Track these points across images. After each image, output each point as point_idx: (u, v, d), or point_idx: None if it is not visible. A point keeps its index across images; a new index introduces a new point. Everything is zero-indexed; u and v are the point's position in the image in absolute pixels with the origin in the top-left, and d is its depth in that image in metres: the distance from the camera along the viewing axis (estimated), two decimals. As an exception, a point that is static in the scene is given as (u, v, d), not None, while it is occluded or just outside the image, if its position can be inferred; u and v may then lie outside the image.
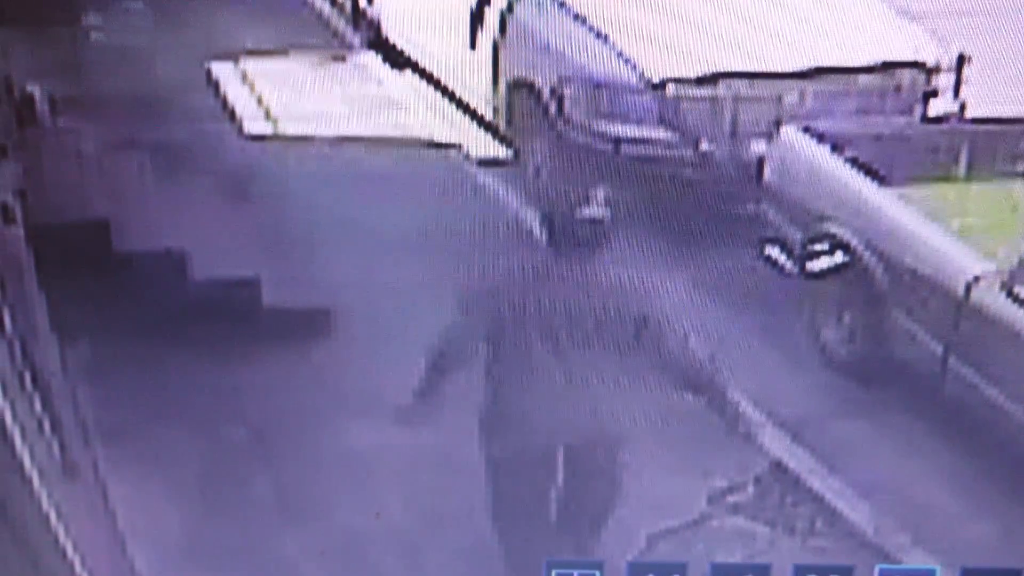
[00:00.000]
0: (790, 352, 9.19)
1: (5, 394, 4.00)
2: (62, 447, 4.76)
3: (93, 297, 7.81)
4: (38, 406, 4.59)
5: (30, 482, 4.07)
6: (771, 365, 9.10)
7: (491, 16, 11.49)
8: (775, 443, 8.36)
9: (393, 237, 9.84)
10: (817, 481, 8.07)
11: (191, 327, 8.28)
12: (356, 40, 13.15)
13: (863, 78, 10.76)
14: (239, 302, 8.61)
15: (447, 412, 7.04)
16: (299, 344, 8.66)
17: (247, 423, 8.09)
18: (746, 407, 8.61)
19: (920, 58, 10.91)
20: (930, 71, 10.89)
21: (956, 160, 9.72)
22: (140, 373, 8.03)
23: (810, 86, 10.60)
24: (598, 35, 10.80)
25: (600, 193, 6.77)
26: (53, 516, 4.14)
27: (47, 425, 4.59)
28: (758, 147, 10.09)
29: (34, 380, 4.69)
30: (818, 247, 9.15)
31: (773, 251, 9.42)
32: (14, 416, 4.01)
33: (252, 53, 12.25)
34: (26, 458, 4.01)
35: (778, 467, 8.18)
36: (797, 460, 8.23)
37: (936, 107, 10.84)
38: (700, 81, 10.52)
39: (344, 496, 7.61)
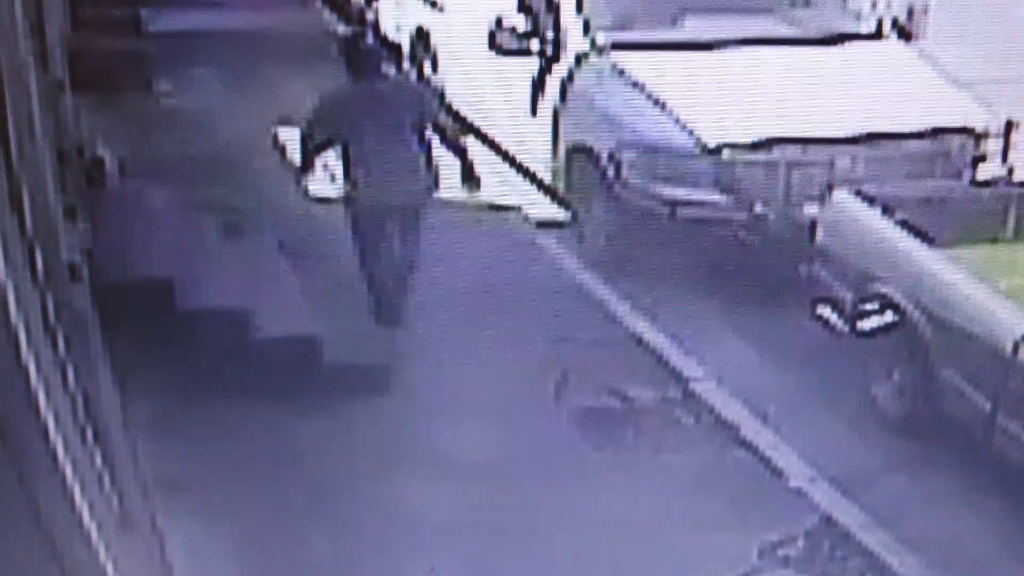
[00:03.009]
0: (841, 408, 9.07)
1: (67, 449, 3.93)
2: (120, 500, 4.71)
3: (156, 354, 7.78)
4: (99, 460, 4.54)
5: (89, 535, 4.00)
6: (822, 421, 8.98)
7: (551, 84, 11.48)
8: (825, 497, 8.23)
9: (452, 296, 9.80)
10: (867, 535, 7.91)
11: (251, 384, 8.22)
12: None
13: (913, 143, 10.67)
14: (300, 360, 8.55)
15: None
16: (358, 401, 8.59)
17: (305, 479, 8.01)
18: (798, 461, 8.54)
19: (969, 124, 10.81)
20: (979, 136, 10.80)
21: (1004, 222, 9.59)
22: (200, 428, 7.99)
23: (862, 151, 10.51)
24: (655, 102, 10.75)
25: None
26: (111, 569, 4.06)
27: (107, 479, 4.54)
28: (811, 210, 9.99)
29: (95, 435, 4.64)
30: (869, 307, 9.03)
31: (825, 310, 9.32)
32: (75, 470, 3.94)
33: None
34: (85, 511, 3.93)
35: (828, 521, 8.04)
36: (847, 514, 8.08)
37: (985, 171, 10.72)
38: (755, 146, 10.45)
39: (399, 551, 7.51)
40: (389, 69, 9.57)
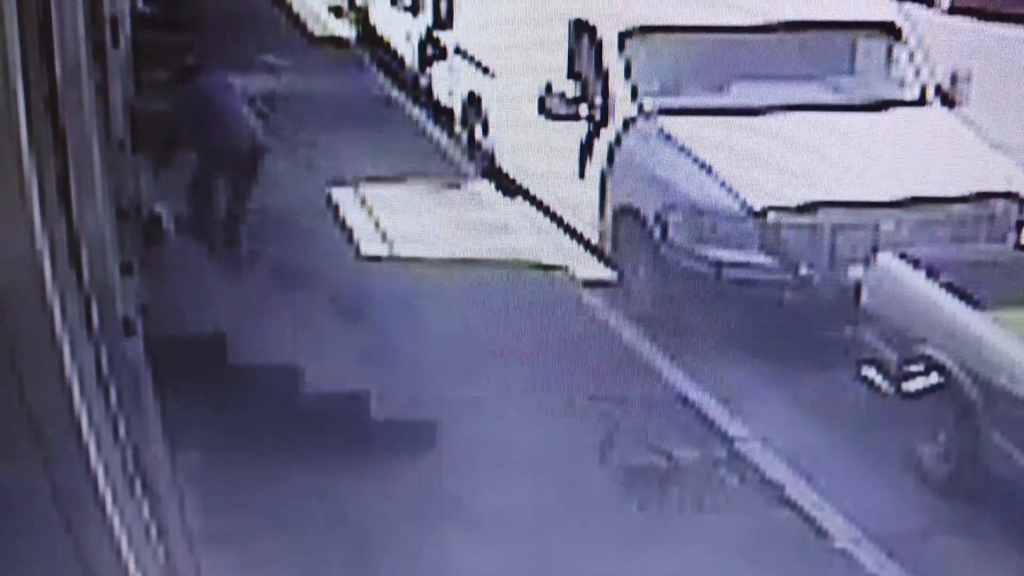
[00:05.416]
0: (887, 470, 8.93)
1: (115, 500, 3.88)
2: (166, 552, 4.66)
3: (206, 408, 7.73)
4: (146, 512, 4.49)
5: (134, 587, 3.93)
6: (868, 482, 8.84)
7: (599, 148, 11.45)
8: (871, 559, 8.08)
9: (499, 354, 9.74)
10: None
11: (300, 439, 8.16)
12: (471, 169, 13.20)
13: (958, 207, 10.57)
14: (348, 415, 8.49)
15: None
16: (405, 456, 8.52)
17: (351, 533, 7.92)
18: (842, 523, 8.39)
19: (1013, 188, 10.71)
20: (1023, 201, 10.69)
21: (1048, 285, 9.47)
22: (247, 482, 7.92)
23: (907, 215, 10.42)
24: (702, 166, 10.69)
25: None
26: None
27: (154, 530, 4.49)
28: (856, 272, 9.90)
29: (144, 487, 4.59)
30: (914, 368, 8.91)
31: (870, 372, 9.20)
32: (122, 521, 3.89)
33: (371, 180, 12.32)
34: (131, 562, 3.88)
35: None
36: (893, 576, 7.94)
37: (1029, 235, 10.63)
38: (800, 209, 10.37)
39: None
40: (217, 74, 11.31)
